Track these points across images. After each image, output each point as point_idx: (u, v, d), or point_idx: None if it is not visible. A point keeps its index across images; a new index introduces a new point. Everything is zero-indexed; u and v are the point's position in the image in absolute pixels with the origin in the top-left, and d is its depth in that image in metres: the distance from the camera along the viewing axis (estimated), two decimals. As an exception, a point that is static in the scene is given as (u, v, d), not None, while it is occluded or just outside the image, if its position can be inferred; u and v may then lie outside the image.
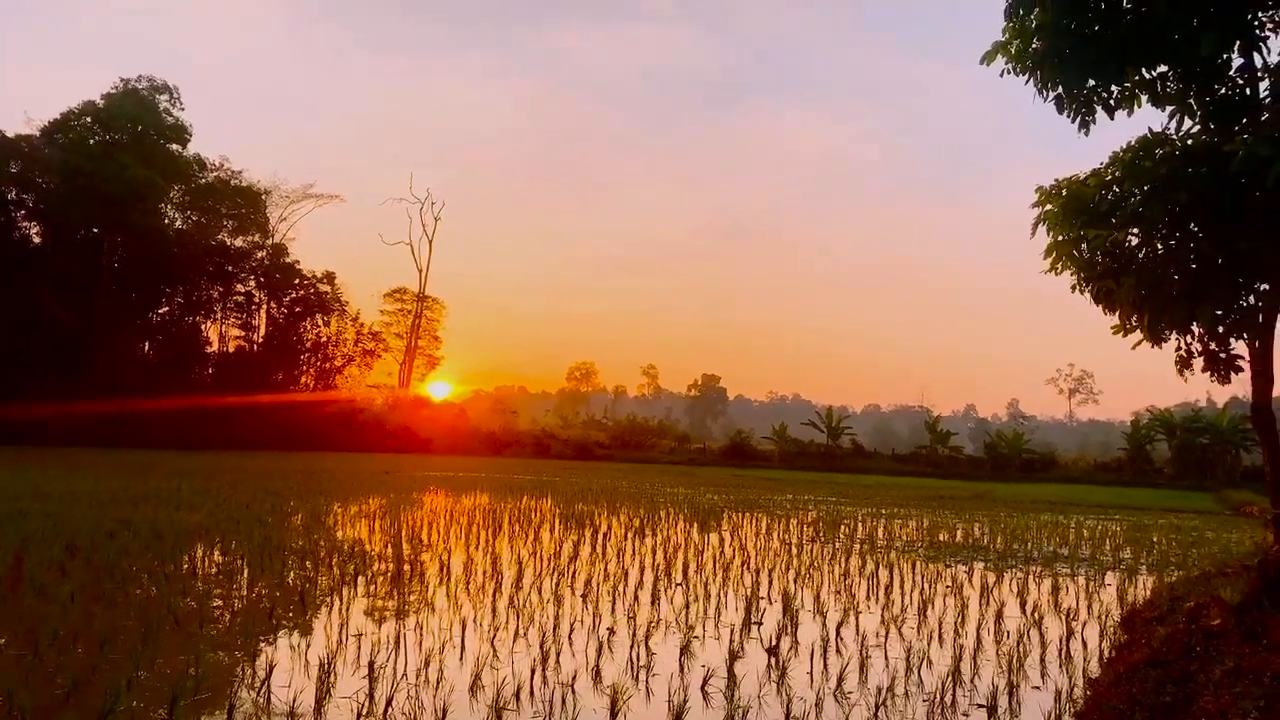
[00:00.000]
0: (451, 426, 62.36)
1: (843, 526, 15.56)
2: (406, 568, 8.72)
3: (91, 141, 55.35)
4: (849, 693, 5.02)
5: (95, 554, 8.61)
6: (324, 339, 62.96)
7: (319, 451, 49.74)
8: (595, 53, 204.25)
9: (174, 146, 58.28)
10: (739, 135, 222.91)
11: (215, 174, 63.61)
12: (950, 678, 5.23)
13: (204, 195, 62.07)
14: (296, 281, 62.02)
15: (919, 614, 7.49)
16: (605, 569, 9.17)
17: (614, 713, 4.32)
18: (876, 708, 4.70)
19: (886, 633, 6.65)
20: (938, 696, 4.90)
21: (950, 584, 9.21)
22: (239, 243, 63.29)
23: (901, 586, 8.90)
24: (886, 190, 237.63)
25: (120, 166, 51.67)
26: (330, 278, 62.96)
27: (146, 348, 60.22)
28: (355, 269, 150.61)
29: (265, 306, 62.76)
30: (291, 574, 8.22)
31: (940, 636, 6.66)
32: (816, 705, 4.70)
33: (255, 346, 61.24)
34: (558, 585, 8.05)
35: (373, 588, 7.69)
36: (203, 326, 63.84)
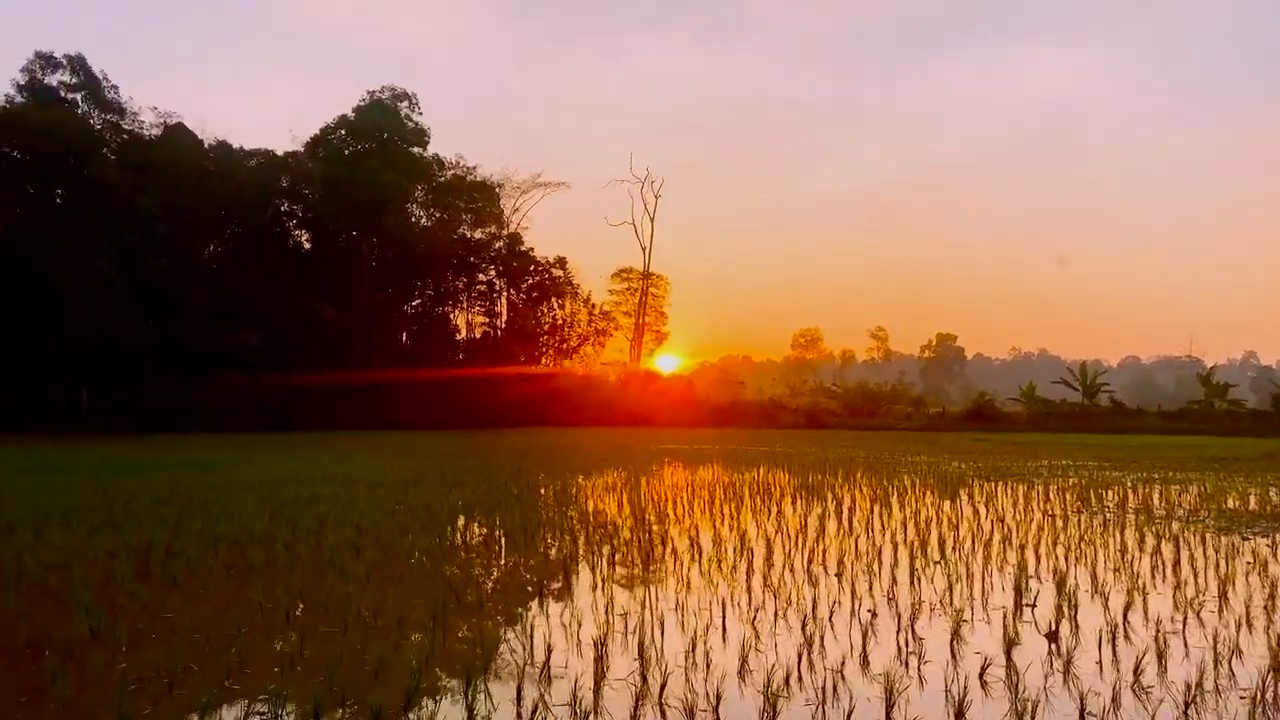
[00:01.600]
0: (680, 399, 63.51)
1: (1110, 494, 14.34)
2: (658, 544, 8.92)
3: (346, 152, 60.71)
4: (1149, 687, 4.57)
5: (381, 534, 9.46)
6: (560, 321, 65.96)
7: (558, 427, 52.27)
8: (801, 11, 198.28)
9: (415, 149, 62.79)
10: (963, 78, 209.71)
11: (452, 171, 68.01)
12: (1271, 673, 4.65)
13: (444, 192, 66.51)
14: (532, 268, 65.34)
15: (1219, 596, 6.73)
16: (855, 546, 8.94)
17: (890, 703, 4.18)
18: (1186, 705, 4.25)
19: (1184, 618, 6.02)
20: (1258, 694, 4.36)
21: (1252, 560, 8.23)
22: (478, 235, 67.42)
23: (1192, 563, 8.05)
24: (1138, 122, 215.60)
25: (371, 173, 56.34)
26: (562, 262, 65.74)
27: (404, 338, 65.53)
28: (584, 252, 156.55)
29: (505, 294, 66.61)
30: (552, 550, 8.62)
31: (1249, 623, 5.94)
32: (1114, 701, 4.31)
33: (498, 332, 65.16)
34: (809, 563, 7.94)
35: (628, 564, 7.92)
36: (451, 315, 68.76)
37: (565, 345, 66.39)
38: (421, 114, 63.74)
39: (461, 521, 11.00)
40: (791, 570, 7.64)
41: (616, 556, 8.23)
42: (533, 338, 64.81)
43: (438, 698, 4.29)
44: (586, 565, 7.85)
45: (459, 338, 67.21)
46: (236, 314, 51.28)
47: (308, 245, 66.41)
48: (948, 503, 13.18)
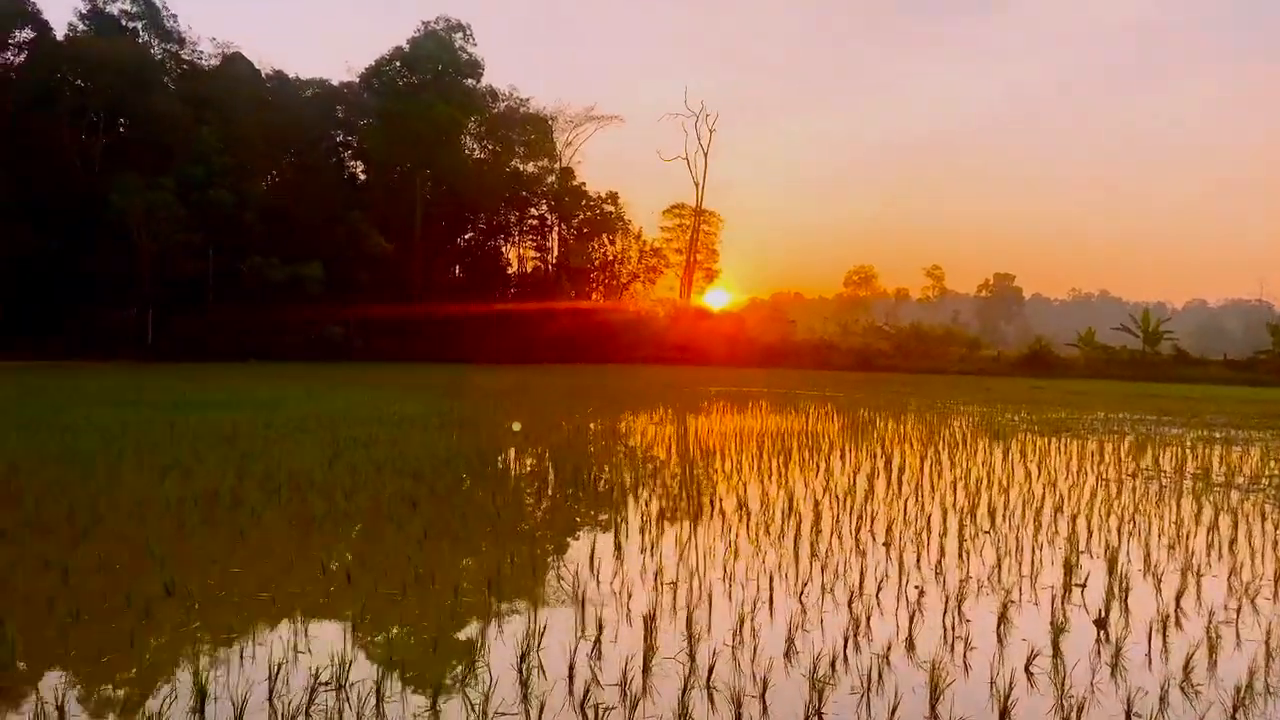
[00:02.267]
0: (730, 337, 63.38)
1: (1167, 455, 14.10)
2: (706, 502, 9.03)
3: (400, 83, 60.59)
4: (1198, 685, 4.57)
5: (437, 483, 9.70)
6: (610, 257, 65.94)
7: (607, 364, 52.59)
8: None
9: (469, 81, 62.46)
10: (1028, 12, 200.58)
11: (505, 103, 67.70)
12: (1327, 673, 4.61)
13: (497, 125, 66.28)
14: (584, 203, 65.20)
15: (1274, 580, 6.65)
16: (904, 510, 8.95)
17: (935, 695, 4.23)
18: (1234, 708, 4.24)
19: (1238, 606, 5.96)
20: (1312, 697, 4.34)
21: (1314, 540, 8.07)
22: (530, 168, 67.28)
23: (1250, 540, 7.93)
24: (1209, 58, 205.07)
25: (425, 106, 56.28)
26: (614, 198, 65.47)
27: (456, 270, 66.11)
28: (636, 187, 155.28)
29: (556, 228, 66.69)
30: (604, 514, 8.77)
31: (1307, 612, 5.86)
32: (1161, 700, 4.32)
33: (550, 267, 65.37)
34: (858, 530, 7.98)
35: (677, 521, 8.05)
36: (503, 249, 69.12)
37: (616, 282, 66.44)
38: (475, 45, 63.29)
39: (514, 470, 11.22)
40: (839, 537, 7.69)
41: (666, 516, 8.35)
42: (583, 273, 64.93)
43: (494, 670, 4.45)
44: (637, 528, 7.97)
45: (510, 272, 67.61)
46: (293, 246, 52.08)
47: (362, 177, 66.94)
48: (999, 459, 13.09)
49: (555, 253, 67.52)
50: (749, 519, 8.35)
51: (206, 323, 49.04)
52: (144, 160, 51.21)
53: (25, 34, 54.57)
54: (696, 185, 68.45)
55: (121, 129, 56.22)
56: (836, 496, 9.64)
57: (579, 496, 9.36)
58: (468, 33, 62.90)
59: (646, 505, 8.89)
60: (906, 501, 9.43)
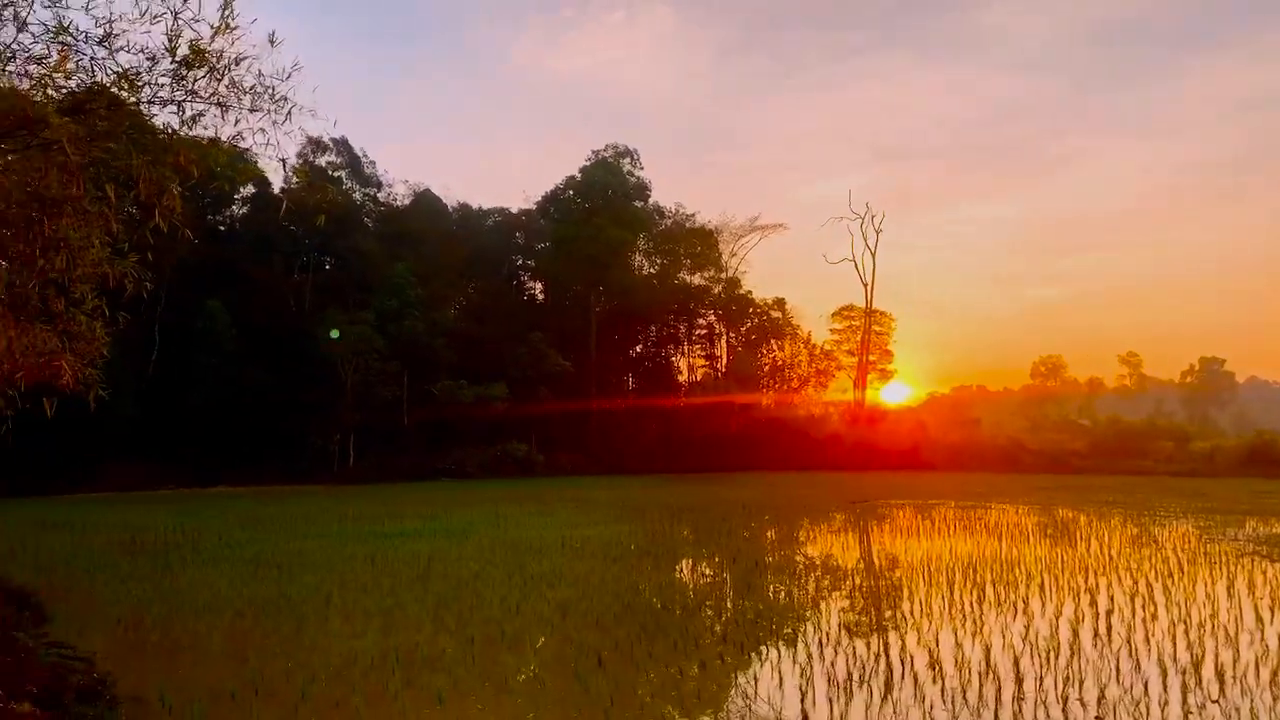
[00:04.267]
0: (910, 439, 61.19)
1: None
2: (896, 659, 8.68)
3: (573, 209, 63.90)
4: None
5: (620, 632, 9.82)
6: (780, 363, 65.74)
7: (781, 471, 51.81)
8: (1033, 19, 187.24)
9: (637, 202, 65.12)
10: (1221, 74, 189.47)
11: (671, 220, 69.95)
12: None
13: (664, 241, 68.44)
14: (750, 311, 65.80)
15: None
16: (1116, 668, 8.27)
17: None
18: None
19: None
20: None
21: None
22: (697, 280, 68.75)
23: None
24: None
25: (597, 229, 58.99)
26: (780, 304, 65.75)
27: (629, 381, 67.66)
28: (803, 291, 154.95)
29: (725, 337, 67.40)
30: (792, 678, 8.60)
31: None
32: None
33: (719, 375, 65.82)
34: (1065, 697, 7.44)
35: (866, 693, 7.77)
36: (673, 359, 70.35)
37: (787, 387, 65.99)
38: (642, 169, 66.20)
39: (694, 628, 11.19)
40: (1045, 707, 7.19)
41: (856, 681, 8.08)
42: (753, 380, 64.87)
43: None
44: (824, 694, 7.76)
45: (681, 380, 68.55)
46: (480, 368, 55.04)
47: (540, 297, 70.43)
48: (1223, 595, 11.91)
49: (724, 360, 68.10)
50: (943, 680, 7.96)
51: (402, 445, 52.26)
52: (346, 296, 56.16)
53: (248, 190, 61.65)
54: (865, 286, 67.71)
55: (327, 268, 61.99)
56: (1038, 649, 9.04)
57: (757, 655, 9.22)
58: (635, 157, 66.11)
59: (833, 665, 8.63)
60: (1119, 656, 8.72)
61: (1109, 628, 10.03)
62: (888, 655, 8.92)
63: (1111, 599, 11.83)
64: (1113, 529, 20.82)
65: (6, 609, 11.51)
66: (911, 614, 11.07)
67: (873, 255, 67.38)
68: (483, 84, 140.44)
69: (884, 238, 70.60)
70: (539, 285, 71.69)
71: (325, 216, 56.72)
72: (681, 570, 15.69)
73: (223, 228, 60.29)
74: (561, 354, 57.65)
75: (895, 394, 73.72)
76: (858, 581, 13.72)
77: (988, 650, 8.98)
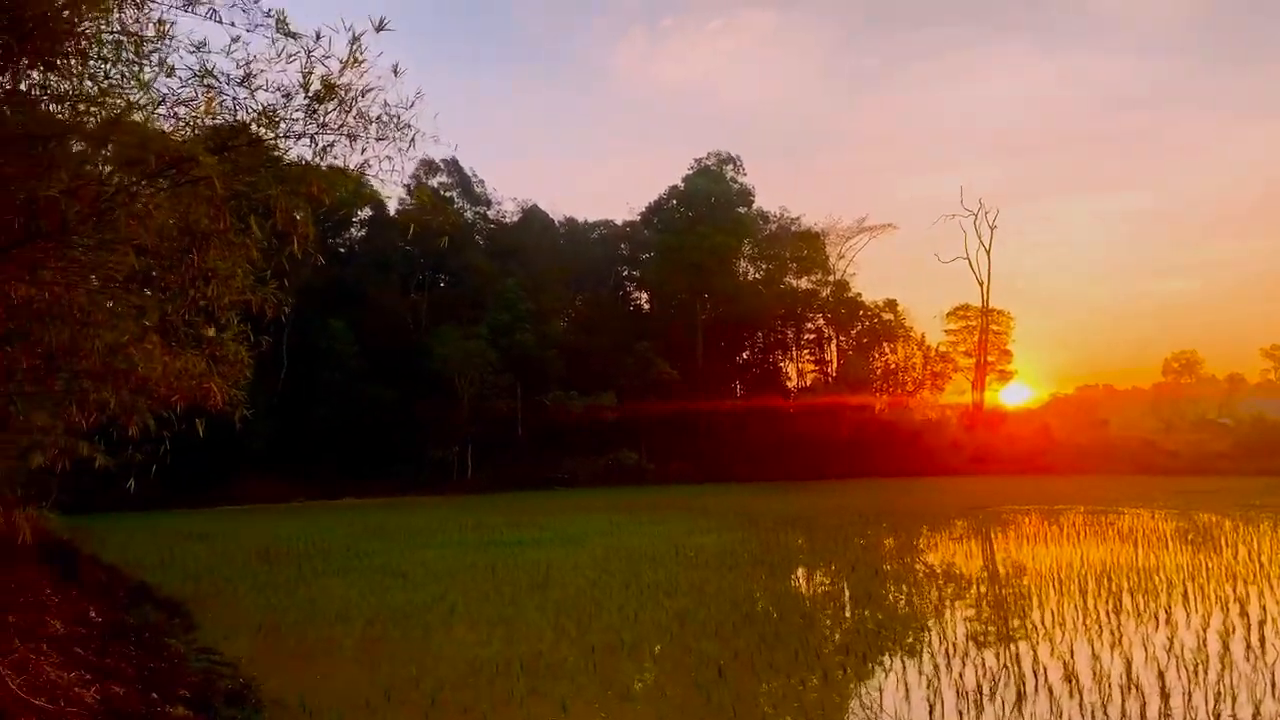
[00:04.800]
0: (1032, 442, 58.86)
1: None
2: (1028, 672, 8.36)
3: (676, 218, 64.07)
4: None
5: (739, 642, 9.77)
6: (893, 366, 64.25)
7: (896, 478, 50.58)
8: (1149, 1, 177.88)
9: (740, 209, 64.83)
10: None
11: (776, 224, 69.40)
12: None
13: (769, 246, 67.93)
14: (860, 314, 64.58)
15: None
16: (1272, 682, 7.76)
17: None
18: None
19: None
20: None
21: None
22: (804, 284, 67.94)
23: None
24: None
25: (701, 237, 59.01)
26: (892, 306, 64.36)
27: (737, 389, 67.31)
28: (915, 292, 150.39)
29: (834, 341, 66.35)
30: (919, 695, 8.39)
31: None
32: None
33: (829, 380, 64.77)
34: (1216, 715, 7.02)
35: (997, 705, 7.51)
36: (781, 365, 69.67)
37: (901, 391, 64.40)
38: (745, 174, 65.94)
39: (813, 640, 11.04)
40: (1193, 726, 6.80)
41: (988, 693, 7.82)
42: (865, 384, 63.55)
43: None
44: (955, 711, 7.54)
45: (790, 386, 67.81)
46: (589, 378, 55.73)
47: (646, 307, 70.85)
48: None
49: (834, 365, 67.00)
50: (1080, 695, 7.62)
51: (516, 455, 53.34)
52: (460, 312, 57.75)
53: (365, 213, 64.18)
54: (980, 284, 65.52)
55: (441, 285, 63.93)
56: (1184, 662, 8.55)
57: (880, 666, 9.02)
58: (738, 164, 65.88)
59: (960, 677, 8.37)
60: (1275, 669, 8.18)
61: (1262, 640, 9.43)
62: (1019, 667, 8.60)
63: (1264, 609, 11.11)
64: (1262, 534, 19.53)
65: (159, 616, 12.29)
66: (1042, 624, 10.64)
67: (988, 252, 65.20)
68: (584, 98, 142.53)
69: (999, 234, 68.25)
70: (644, 295, 72.12)
71: (411, 230, 58.76)
72: (797, 579, 15.53)
73: (342, 250, 62.91)
74: (668, 362, 57.81)
75: (1016, 395, 71.08)
76: (982, 590, 13.29)
77: (1129, 663, 8.55)
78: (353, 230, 65.75)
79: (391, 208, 65.06)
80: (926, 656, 9.13)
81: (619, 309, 69.06)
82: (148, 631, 10.50)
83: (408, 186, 66.35)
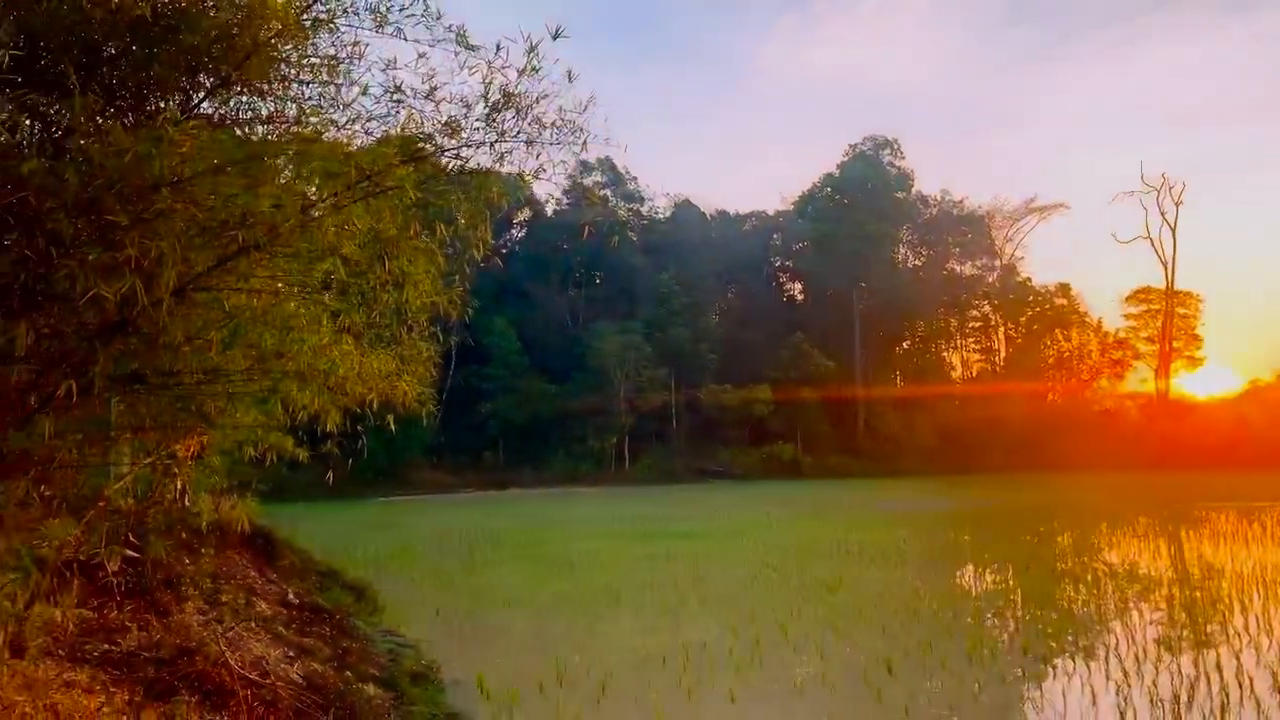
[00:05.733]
0: (1227, 434, 54.28)
1: None
2: (1231, 681, 7.75)
3: (831, 206, 62.87)
4: None
5: (908, 639, 9.53)
6: (1066, 353, 60.81)
7: (1070, 471, 47.85)
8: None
9: (899, 194, 62.90)
10: None
11: (936, 208, 66.90)
12: None
13: (929, 231, 65.67)
14: (1030, 299, 61.43)
15: None
16: None
17: None
18: None
19: None
20: None
21: None
22: (968, 270, 65.32)
23: None
24: None
25: (857, 225, 57.72)
26: (1065, 290, 60.95)
27: (896, 380, 65.43)
28: (1091, 275, 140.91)
29: (1002, 328, 63.38)
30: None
31: None
32: None
33: (996, 369, 62.02)
34: None
35: None
36: (944, 354, 67.19)
37: (1075, 379, 60.82)
38: (903, 158, 63.94)
39: (994, 635, 10.62)
40: None
41: (1181, 699, 7.31)
42: (1036, 373, 60.41)
43: None
44: None
45: (954, 377, 65.33)
46: (742, 371, 55.57)
47: (800, 298, 69.92)
48: None
49: (1002, 354, 64.03)
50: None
51: (671, 448, 53.88)
52: (615, 308, 58.87)
53: (524, 215, 66.32)
54: (1164, 265, 60.94)
55: (597, 282, 65.33)
56: None
57: (1064, 670, 8.57)
58: (895, 147, 63.89)
59: (1154, 684, 7.85)
60: None
61: None
62: (1220, 675, 7.98)
63: None
64: None
65: (347, 598, 13.15)
66: (1245, 630, 9.83)
67: (1172, 231, 60.59)
68: (734, 89, 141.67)
69: (1185, 211, 62.98)
70: (798, 285, 71.21)
71: (588, 231, 60.00)
72: (966, 577, 14.97)
73: (504, 250, 65.25)
74: (824, 353, 56.84)
75: (1206, 384, 65.69)
76: (1172, 592, 12.40)
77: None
78: (513, 231, 68.05)
79: (549, 208, 66.90)
80: (1113, 662, 8.61)
81: (772, 301, 68.47)
82: (339, 613, 11.26)
83: (565, 187, 68.36)
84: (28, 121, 3.70)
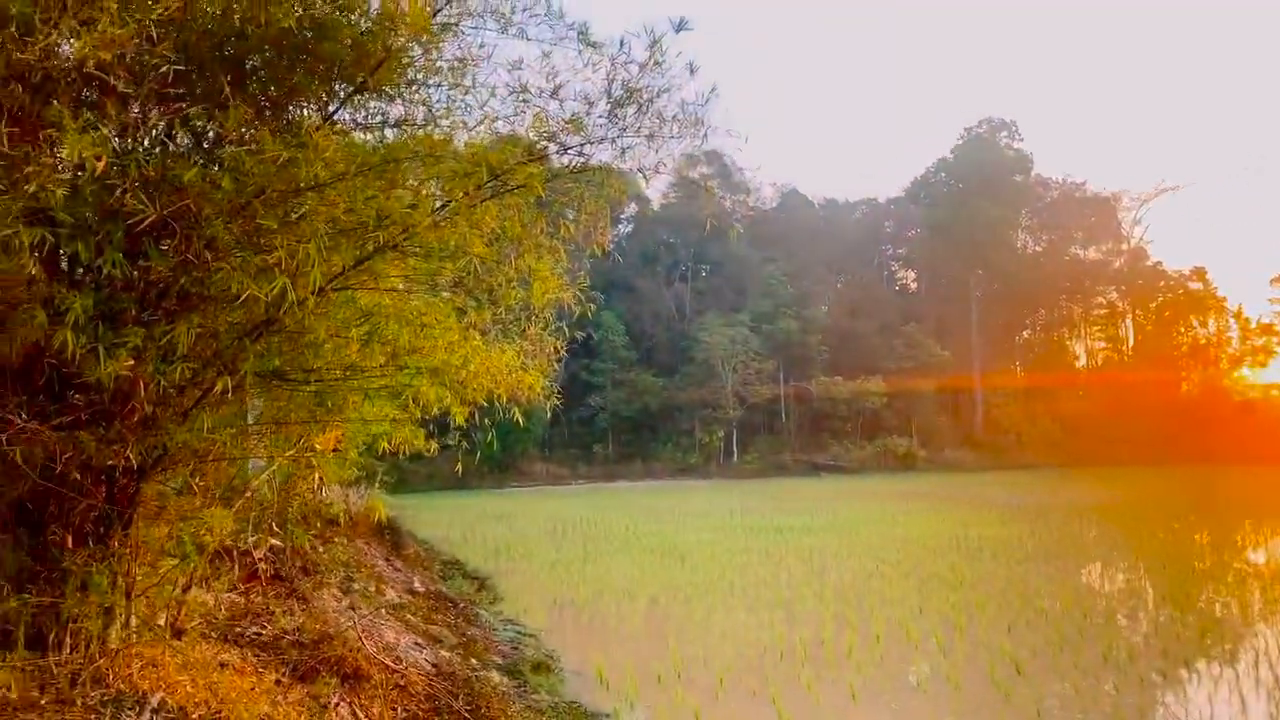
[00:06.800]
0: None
1: None
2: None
3: (945, 191, 61.06)
4: None
5: (1035, 638, 9.19)
6: (1202, 341, 57.45)
7: (1208, 464, 45.19)
8: None
9: (1017, 177, 60.60)
10: None
11: (1058, 190, 64.18)
12: None
13: (1050, 215, 63.09)
14: (1161, 284, 58.24)
15: None
16: None
17: None
18: None
19: None
20: None
21: None
22: (1092, 254, 62.51)
23: None
24: None
25: (973, 211, 55.88)
26: (1200, 274, 57.49)
27: (1016, 370, 63.10)
28: (1230, 256, 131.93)
29: (1130, 315, 60.35)
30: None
31: None
32: None
33: (1124, 358, 59.13)
34: None
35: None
36: (1067, 343, 64.45)
37: (1213, 368, 57.35)
38: (1022, 140, 61.64)
39: (1128, 636, 10.15)
40: None
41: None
42: (1168, 361, 57.28)
43: None
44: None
45: (1077, 364, 62.59)
46: (853, 363, 54.58)
47: (913, 286, 68.17)
48: None
49: (1130, 342, 60.90)
50: None
51: (781, 441, 53.39)
52: (723, 301, 58.63)
53: (631, 209, 66.69)
54: (1314, 244, 56.74)
55: (703, 275, 65.16)
56: None
57: (1208, 674, 8.11)
58: (1013, 130, 61.52)
59: (1312, 692, 7.36)
60: None
61: None
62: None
63: None
64: None
65: (469, 588, 13.54)
66: None
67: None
68: (843, 72, 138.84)
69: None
70: (911, 274, 69.48)
71: (709, 226, 59.91)
72: (1096, 575, 14.34)
73: (612, 244, 65.70)
74: (939, 343, 55.30)
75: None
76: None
77: None
78: (621, 225, 68.52)
79: (656, 203, 67.11)
80: (1263, 668, 8.10)
81: (883, 290, 66.98)
82: (462, 602, 11.61)
83: (671, 181, 68.36)
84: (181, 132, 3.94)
